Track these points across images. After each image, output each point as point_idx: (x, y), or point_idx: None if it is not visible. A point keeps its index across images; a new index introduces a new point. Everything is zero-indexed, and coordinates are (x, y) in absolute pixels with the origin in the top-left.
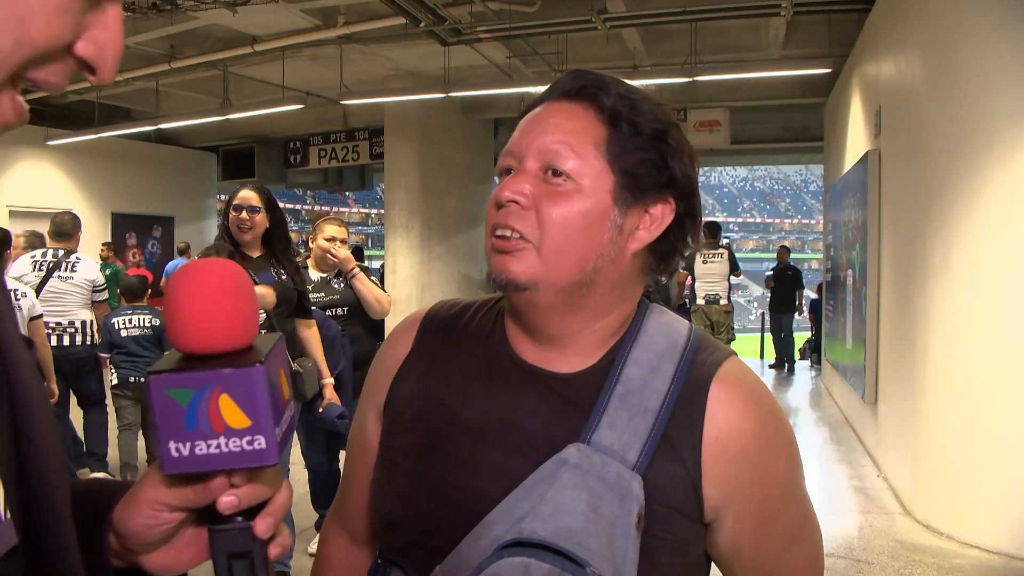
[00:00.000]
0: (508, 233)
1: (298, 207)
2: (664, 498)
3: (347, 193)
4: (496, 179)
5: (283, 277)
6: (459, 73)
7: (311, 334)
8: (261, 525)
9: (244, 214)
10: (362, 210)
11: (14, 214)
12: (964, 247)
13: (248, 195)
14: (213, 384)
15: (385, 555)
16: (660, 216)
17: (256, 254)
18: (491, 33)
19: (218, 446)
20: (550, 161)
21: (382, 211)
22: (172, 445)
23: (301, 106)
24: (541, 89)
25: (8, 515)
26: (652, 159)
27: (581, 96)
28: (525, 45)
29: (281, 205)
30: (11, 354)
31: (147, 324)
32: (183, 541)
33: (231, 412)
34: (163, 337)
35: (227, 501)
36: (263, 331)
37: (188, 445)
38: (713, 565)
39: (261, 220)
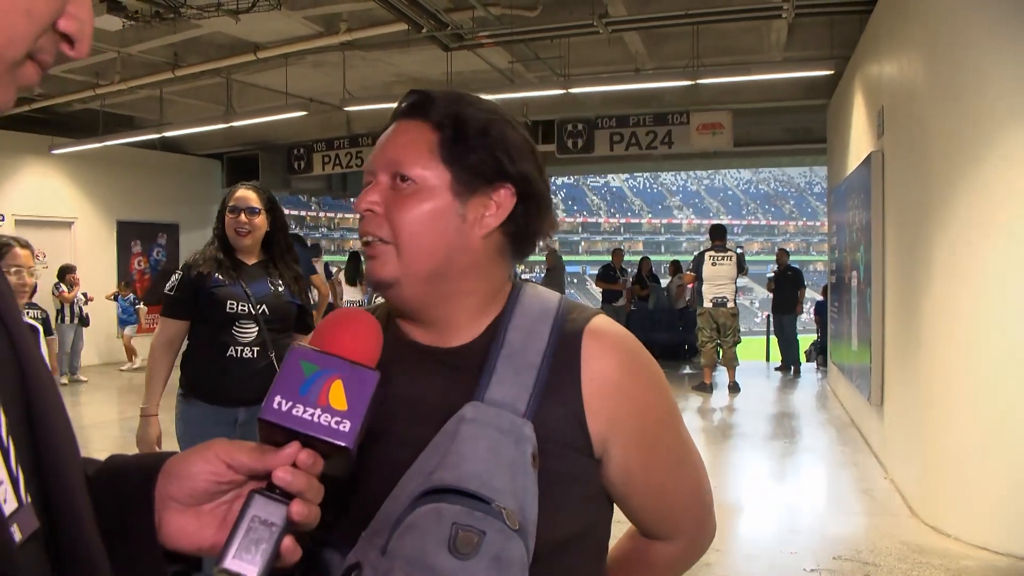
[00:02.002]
0: (370, 239)
1: (302, 213)
2: (555, 436)
3: (351, 199)
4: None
5: (280, 289)
6: (461, 78)
7: None
8: (297, 506)
9: (243, 216)
10: None
11: (20, 223)
12: (968, 247)
13: (247, 195)
14: (337, 370)
15: (315, 538)
16: (503, 201)
17: (252, 260)
18: (493, 38)
19: (312, 415)
20: (395, 169)
21: None
22: (277, 399)
23: (304, 113)
24: (543, 94)
25: (28, 499)
26: (480, 154)
27: (413, 113)
28: (527, 50)
29: (286, 212)
30: (20, 340)
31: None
32: (211, 515)
33: (337, 396)
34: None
35: (282, 474)
36: (254, 349)
37: (290, 404)
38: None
39: (261, 223)
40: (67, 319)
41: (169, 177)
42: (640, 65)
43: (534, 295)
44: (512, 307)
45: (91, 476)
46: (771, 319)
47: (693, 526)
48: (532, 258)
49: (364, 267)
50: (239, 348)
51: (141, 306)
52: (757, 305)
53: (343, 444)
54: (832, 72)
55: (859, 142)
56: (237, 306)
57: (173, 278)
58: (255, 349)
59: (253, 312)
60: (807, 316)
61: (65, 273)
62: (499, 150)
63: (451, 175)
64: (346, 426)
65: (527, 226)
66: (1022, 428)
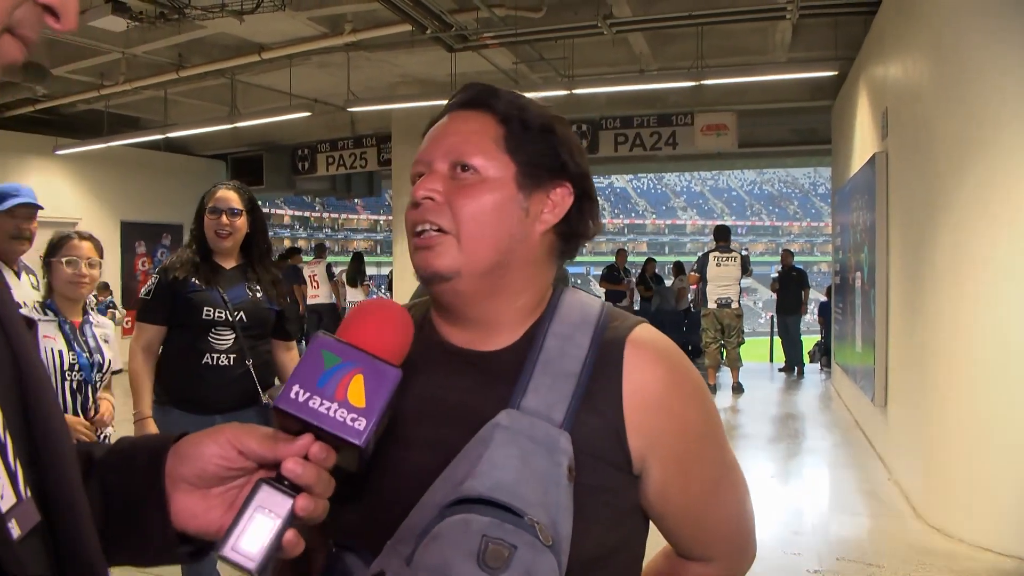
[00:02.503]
0: (427, 227)
1: (307, 214)
2: (591, 449)
3: (356, 200)
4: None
5: (258, 295)
6: (466, 79)
7: (290, 358)
8: (303, 501)
9: (224, 218)
10: (371, 216)
11: None
12: (972, 248)
13: (228, 195)
14: (359, 364)
15: (339, 542)
16: (560, 199)
17: (230, 264)
18: (497, 39)
19: (327, 408)
20: (457, 158)
21: (391, 217)
22: (295, 388)
23: (309, 113)
24: (547, 94)
25: (28, 493)
26: (544, 150)
27: (475, 104)
28: (531, 51)
29: (290, 212)
30: (15, 334)
31: None
32: (219, 499)
33: (356, 391)
34: None
35: (292, 465)
36: (231, 356)
37: (307, 395)
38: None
39: (242, 224)
40: None
41: (173, 178)
42: (644, 66)
43: (575, 300)
44: (552, 312)
45: (101, 459)
46: (775, 320)
47: (732, 551)
48: None
49: (413, 259)
50: (215, 355)
51: (118, 309)
52: (760, 306)
53: (357, 443)
54: (836, 73)
55: (863, 143)
56: (214, 312)
57: (149, 282)
58: (231, 356)
59: (230, 319)
60: (811, 317)
61: None
62: (562, 148)
63: (516, 167)
64: (362, 424)
65: (578, 226)
66: None
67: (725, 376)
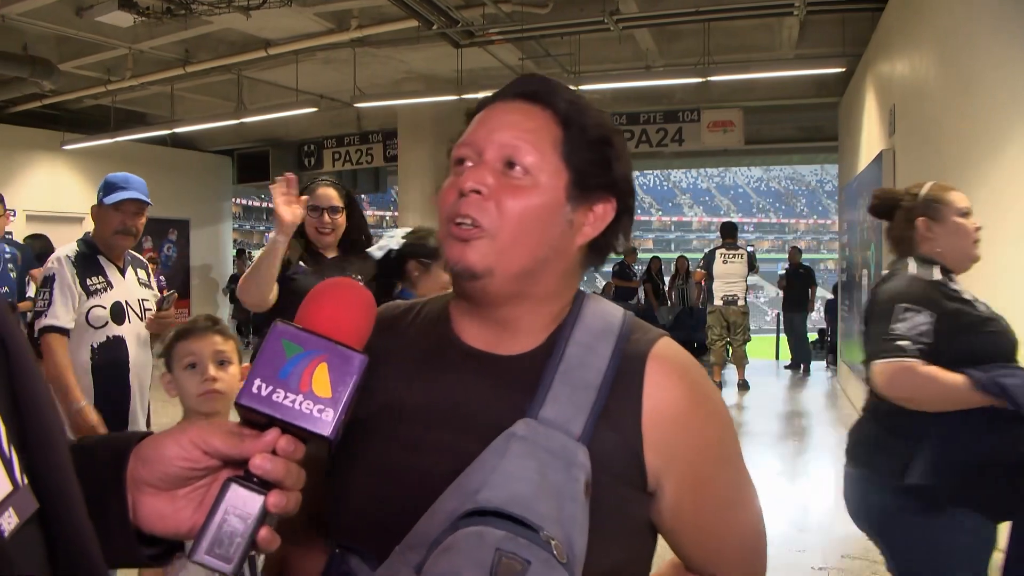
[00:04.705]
0: (468, 222)
1: None
2: (608, 466)
3: (361, 196)
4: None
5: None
6: (472, 75)
7: None
8: (273, 498)
9: (325, 216)
10: (376, 212)
11: (31, 218)
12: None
13: (328, 193)
14: (322, 352)
15: (342, 544)
16: (603, 214)
17: (331, 255)
18: (503, 35)
19: (293, 401)
20: (511, 155)
21: (396, 213)
22: (256, 382)
23: (315, 109)
24: None
25: (25, 480)
26: (598, 161)
27: (535, 98)
28: (537, 47)
29: None
30: (1, 317)
31: None
32: (187, 499)
33: (321, 381)
34: None
35: (260, 461)
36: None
37: (269, 388)
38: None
39: (342, 221)
40: None
41: (180, 173)
42: (651, 62)
43: (597, 309)
44: (573, 320)
45: None
46: (781, 317)
47: (742, 569)
48: None
49: (443, 249)
50: None
51: None
52: (763, 301)
53: (325, 435)
54: (844, 70)
55: (870, 140)
56: None
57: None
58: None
59: None
60: (817, 314)
61: None
62: (616, 163)
63: (569, 176)
64: (329, 415)
65: (610, 242)
66: None
67: (731, 373)
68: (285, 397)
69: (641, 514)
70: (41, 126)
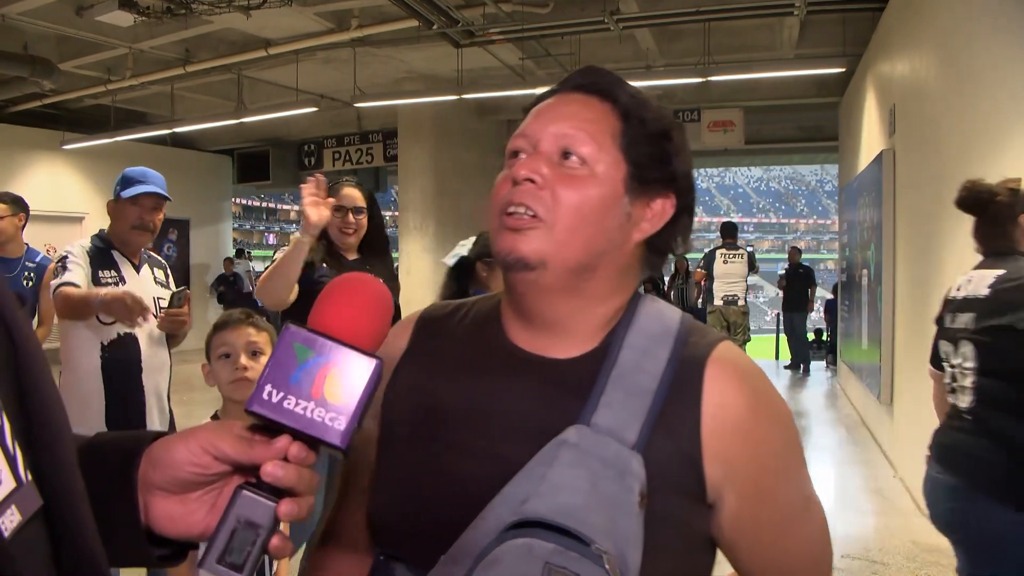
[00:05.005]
0: (521, 211)
1: None
2: (664, 475)
3: None
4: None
5: None
6: (472, 75)
7: None
8: (285, 507)
9: (350, 216)
10: None
11: (32, 218)
12: None
13: (353, 193)
14: (334, 356)
15: (385, 551)
16: (661, 210)
17: (352, 256)
18: (504, 35)
19: (304, 408)
20: (567, 145)
21: (396, 213)
22: (267, 388)
23: (315, 109)
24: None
25: (29, 477)
26: (658, 154)
27: (594, 90)
28: (538, 46)
29: (296, 208)
30: (8, 310)
31: None
32: (199, 502)
33: (333, 386)
34: None
35: (271, 469)
36: None
37: (281, 395)
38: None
39: (365, 222)
40: None
41: (180, 173)
42: (651, 62)
43: (653, 311)
44: (629, 321)
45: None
46: (781, 317)
47: None
48: None
49: (495, 240)
50: None
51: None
52: (763, 301)
53: (337, 445)
54: (844, 70)
55: (870, 140)
56: None
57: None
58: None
59: None
60: (817, 315)
61: None
62: (676, 158)
63: (627, 168)
64: (341, 423)
65: (669, 242)
66: None
67: None
68: (296, 404)
69: (699, 527)
70: (41, 126)
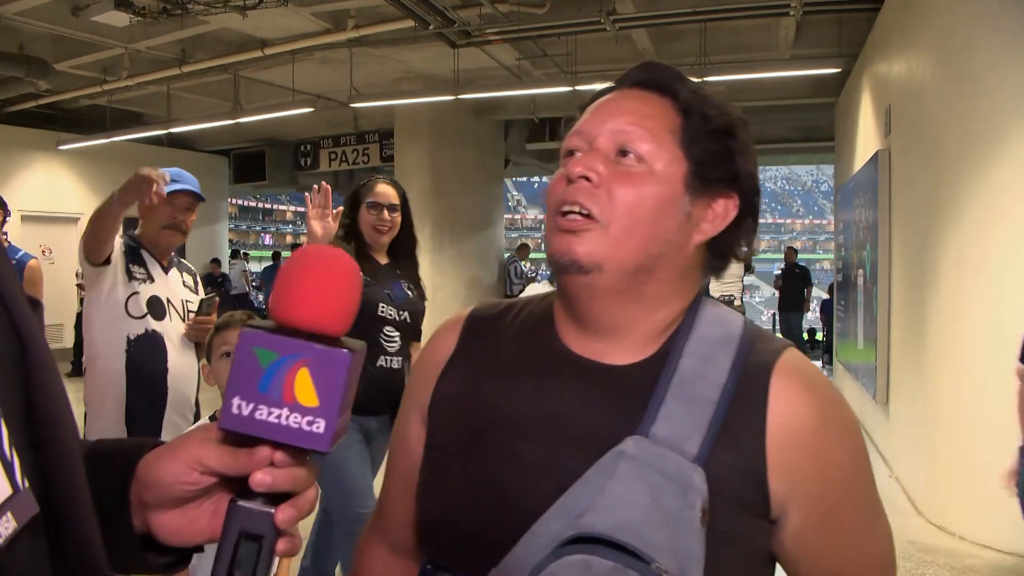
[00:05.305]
0: (575, 210)
1: None
2: (726, 490)
3: None
4: (559, 169)
5: (412, 295)
6: (469, 75)
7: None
8: (283, 514)
9: (385, 213)
10: None
11: (27, 218)
12: (975, 246)
13: (388, 190)
14: (300, 355)
15: (433, 560)
16: (723, 211)
17: (383, 260)
18: (500, 35)
19: (279, 416)
20: (624, 142)
21: None
22: (236, 401)
23: (311, 109)
24: (550, 91)
25: (26, 483)
26: (720, 152)
27: (654, 86)
28: (534, 47)
29: (292, 209)
30: (19, 313)
31: None
32: (199, 510)
33: (304, 388)
34: None
35: (261, 478)
36: (399, 360)
37: (251, 407)
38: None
39: (399, 220)
40: None
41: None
42: None
43: (714, 315)
44: (689, 327)
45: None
46: (777, 317)
47: None
48: (538, 255)
49: (549, 241)
50: (388, 358)
51: None
52: (759, 301)
53: (321, 450)
54: (840, 70)
55: (866, 140)
56: (386, 310)
57: None
58: (399, 359)
59: (397, 318)
60: (813, 314)
61: None
62: (740, 156)
63: (688, 165)
64: (320, 426)
65: (732, 244)
66: None
67: None
68: (269, 413)
69: (761, 543)
70: (37, 126)
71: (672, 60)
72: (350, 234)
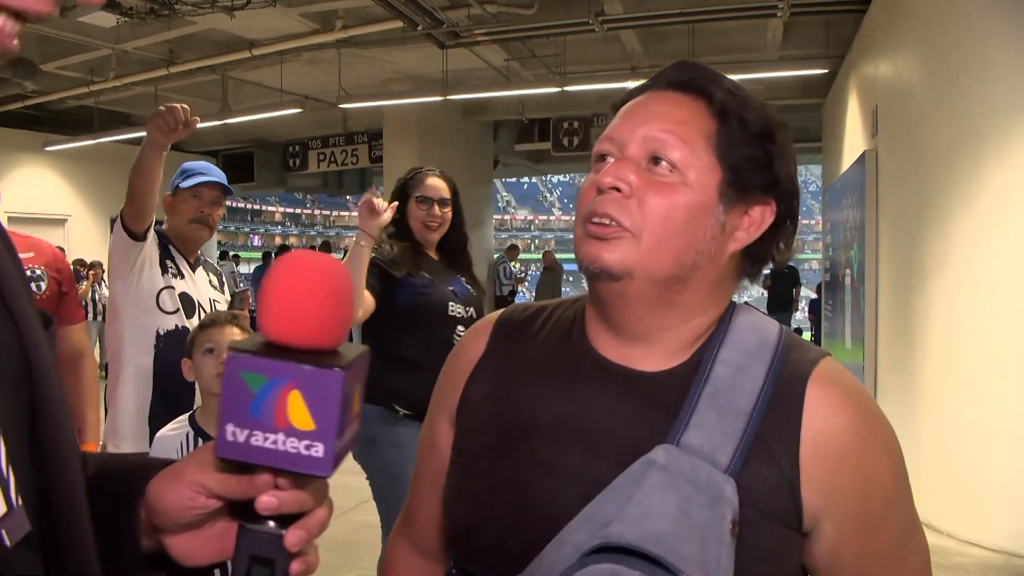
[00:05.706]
0: (606, 221)
1: (298, 211)
2: (758, 503)
3: (347, 197)
4: (588, 171)
5: (472, 289)
6: (457, 76)
7: None
8: (292, 536)
9: (436, 208)
10: None
11: (13, 220)
12: (961, 245)
13: (438, 184)
14: (289, 378)
15: (459, 564)
16: (760, 218)
17: (434, 256)
18: (489, 36)
19: (274, 442)
20: (656, 149)
21: None
22: (230, 428)
23: (300, 110)
24: (539, 92)
25: (20, 502)
26: (758, 158)
27: (689, 88)
28: (523, 47)
29: (281, 209)
30: (27, 329)
31: None
32: (211, 531)
33: (298, 411)
34: None
35: (266, 501)
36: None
37: (246, 433)
38: None
39: (450, 215)
40: (89, 315)
41: (164, 175)
42: (636, 63)
43: (749, 323)
44: (723, 334)
45: (89, 476)
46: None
47: None
48: (527, 256)
49: (578, 249)
50: None
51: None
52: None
53: (321, 474)
54: (827, 71)
55: (853, 141)
56: (455, 308)
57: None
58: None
59: (465, 315)
60: (802, 314)
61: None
62: (779, 161)
63: (722, 174)
64: (319, 450)
65: (769, 249)
66: (1015, 425)
67: None
68: (265, 439)
69: (792, 557)
70: (23, 127)
71: (661, 61)
72: (401, 230)
